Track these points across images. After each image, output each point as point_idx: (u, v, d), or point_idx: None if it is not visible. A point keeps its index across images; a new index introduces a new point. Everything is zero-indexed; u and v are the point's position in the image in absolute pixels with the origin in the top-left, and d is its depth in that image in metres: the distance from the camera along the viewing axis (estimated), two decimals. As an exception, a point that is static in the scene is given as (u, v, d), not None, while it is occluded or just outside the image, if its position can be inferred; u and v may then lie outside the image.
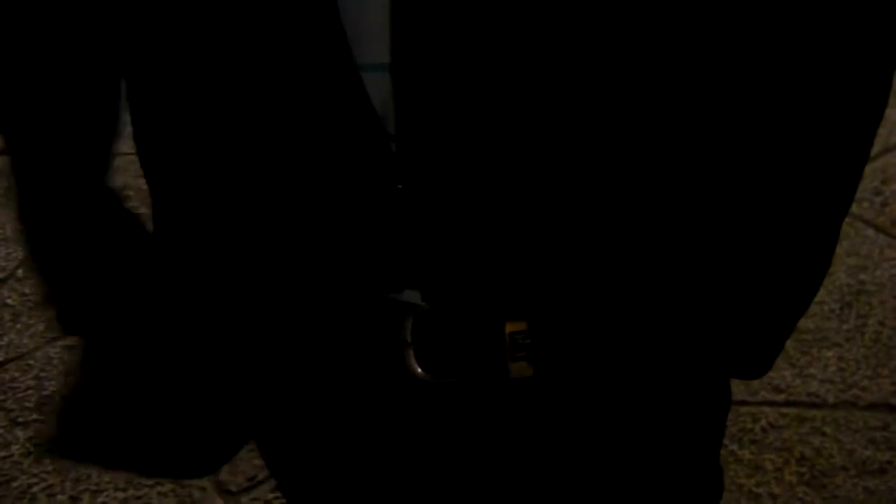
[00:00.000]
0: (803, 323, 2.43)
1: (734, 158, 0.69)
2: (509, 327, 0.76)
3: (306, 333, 0.82)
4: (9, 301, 2.77)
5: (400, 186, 0.70)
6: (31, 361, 2.55)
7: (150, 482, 2.18)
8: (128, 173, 3.41)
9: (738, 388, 2.24)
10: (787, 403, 2.23)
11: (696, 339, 0.77)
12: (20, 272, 2.88)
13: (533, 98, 0.65)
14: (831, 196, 0.73)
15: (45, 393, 2.45)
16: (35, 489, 2.20)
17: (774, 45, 0.64)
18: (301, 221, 0.75)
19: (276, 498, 2.05)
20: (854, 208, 2.79)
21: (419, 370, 0.78)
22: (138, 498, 2.15)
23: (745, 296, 0.75)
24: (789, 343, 2.36)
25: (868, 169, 2.99)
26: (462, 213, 0.70)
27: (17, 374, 2.52)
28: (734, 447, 2.12)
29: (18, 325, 2.68)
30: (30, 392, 2.46)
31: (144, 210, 2.93)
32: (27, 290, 2.80)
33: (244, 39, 0.67)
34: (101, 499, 2.16)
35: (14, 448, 2.31)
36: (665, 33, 0.63)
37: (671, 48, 0.64)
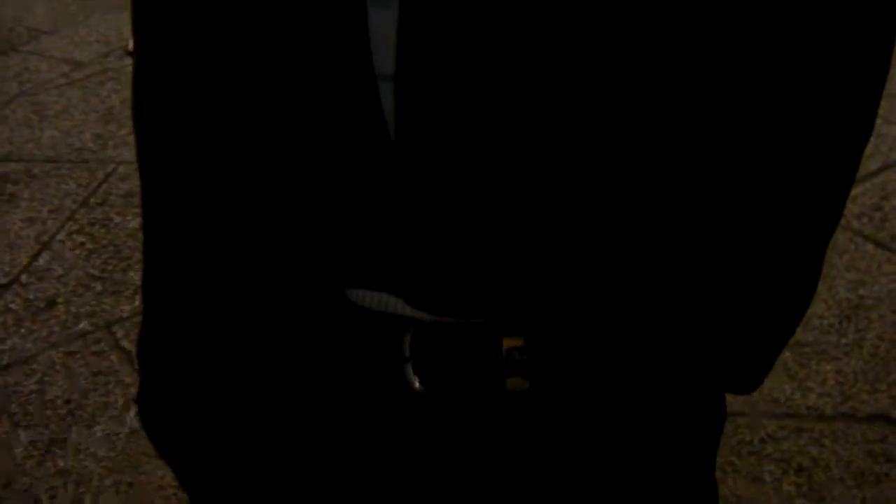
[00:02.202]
0: (802, 336, 2.44)
1: (726, 176, 0.70)
2: (507, 343, 0.76)
3: (304, 345, 0.83)
4: (12, 306, 2.78)
5: (397, 189, 0.71)
6: (34, 365, 2.57)
7: (151, 486, 2.19)
8: (134, 180, 3.44)
9: (738, 400, 2.25)
10: (786, 415, 2.25)
11: (690, 353, 0.78)
12: (24, 277, 2.89)
13: (530, 113, 0.66)
14: (819, 216, 0.73)
15: (48, 397, 2.46)
16: (37, 491, 2.21)
17: (766, 61, 0.65)
18: (298, 222, 0.76)
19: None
20: (854, 223, 2.81)
21: (417, 384, 0.79)
22: (140, 502, 2.16)
23: (736, 312, 0.75)
24: (788, 356, 2.38)
25: (868, 184, 3.02)
26: (458, 224, 0.71)
27: (20, 378, 2.53)
28: (733, 458, 2.13)
29: (22, 330, 2.69)
30: (33, 395, 2.47)
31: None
32: (31, 296, 2.82)
33: (267, 36, 0.69)
34: (102, 502, 2.17)
35: (17, 451, 2.32)
36: (657, 57, 0.64)
37: (663, 76, 0.65)
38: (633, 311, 0.76)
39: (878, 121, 3.27)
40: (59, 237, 3.07)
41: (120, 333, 2.64)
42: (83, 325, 2.69)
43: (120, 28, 4.50)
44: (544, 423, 0.81)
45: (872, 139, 3.35)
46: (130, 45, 4.28)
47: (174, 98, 0.77)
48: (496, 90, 0.65)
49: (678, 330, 0.76)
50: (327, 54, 0.68)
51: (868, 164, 3.05)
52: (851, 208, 2.87)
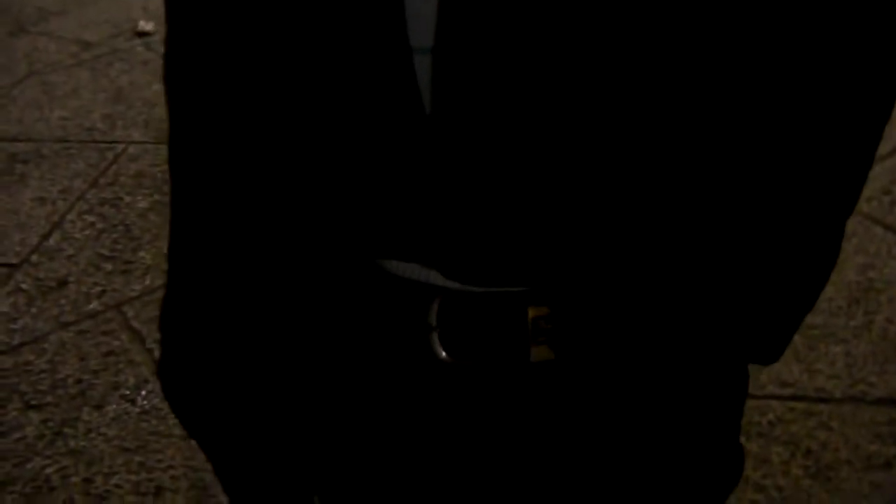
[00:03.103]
0: (811, 318, 2.44)
1: (750, 151, 0.71)
2: (532, 312, 0.77)
3: (332, 312, 0.83)
4: (23, 286, 2.80)
5: (432, 160, 0.71)
6: (45, 345, 2.58)
7: (162, 465, 2.20)
8: (143, 161, 3.43)
9: (746, 382, 2.26)
10: (795, 398, 2.25)
11: (713, 324, 0.79)
12: (34, 258, 2.90)
13: (565, 88, 0.67)
14: (840, 189, 0.74)
15: (59, 376, 2.48)
16: (49, 471, 2.22)
17: (782, 45, 0.66)
18: (332, 192, 0.77)
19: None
20: (863, 207, 2.80)
21: (443, 353, 0.80)
22: (150, 480, 2.17)
23: (759, 283, 0.77)
24: (797, 338, 2.38)
25: (878, 168, 3.01)
26: (491, 195, 0.72)
27: (31, 358, 2.54)
28: (742, 440, 2.13)
29: (33, 310, 2.70)
30: (43, 375, 2.49)
31: (158, 197, 2.94)
32: (41, 275, 2.83)
33: (301, 13, 0.69)
34: (113, 481, 2.18)
35: (28, 430, 2.33)
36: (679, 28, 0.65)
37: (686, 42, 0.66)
38: (659, 282, 0.77)
39: (889, 104, 3.27)
40: (69, 217, 3.07)
41: (130, 313, 2.65)
42: (94, 305, 2.70)
43: (129, 9, 4.50)
44: (569, 394, 0.82)
45: (883, 122, 3.31)
46: (140, 25, 4.28)
47: (207, 70, 0.77)
48: (533, 64, 0.66)
49: (702, 301, 0.78)
50: (363, 27, 0.68)
51: (878, 147, 3.04)
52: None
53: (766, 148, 0.70)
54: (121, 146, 3.44)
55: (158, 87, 3.84)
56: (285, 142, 0.76)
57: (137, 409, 2.36)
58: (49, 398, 2.42)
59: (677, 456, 0.87)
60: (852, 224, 2.81)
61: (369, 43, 0.69)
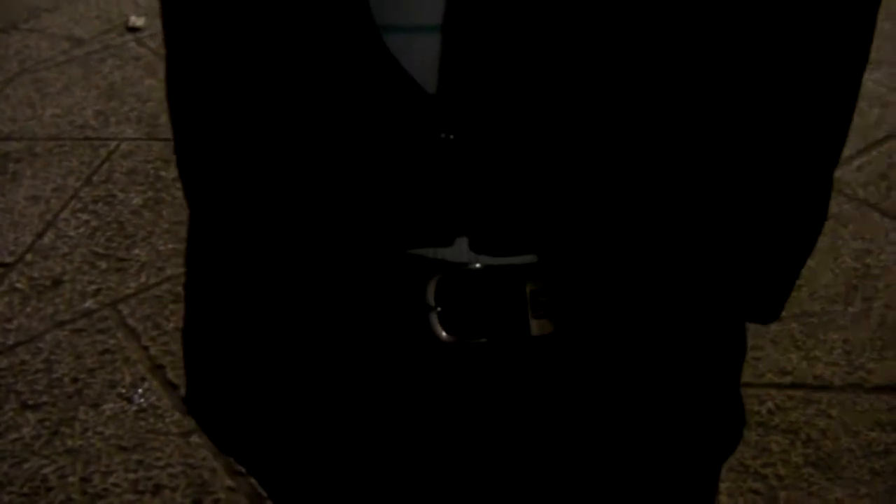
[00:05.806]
0: (809, 306, 2.44)
1: (738, 109, 0.71)
2: (530, 286, 0.77)
3: (331, 298, 0.83)
4: (18, 285, 2.79)
5: (443, 136, 0.71)
6: (40, 344, 2.57)
7: (160, 463, 2.20)
8: (137, 157, 3.42)
9: (744, 371, 2.25)
10: (794, 386, 2.25)
11: (710, 283, 0.79)
12: (29, 256, 2.89)
13: (573, 63, 0.67)
14: (825, 145, 0.76)
15: (55, 376, 2.47)
16: (46, 471, 2.22)
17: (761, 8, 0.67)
18: (345, 181, 0.76)
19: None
20: (860, 192, 2.80)
21: (443, 333, 0.79)
22: (149, 479, 2.17)
23: (753, 235, 0.77)
24: (795, 326, 2.38)
25: (875, 153, 3.01)
26: (505, 166, 0.72)
27: (26, 358, 2.53)
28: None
29: (28, 309, 2.69)
30: (39, 375, 2.48)
31: (152, 193, 2.94)
32: (36, 275, 2.82)
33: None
34: (111, 479, 2.18)
35: (25, 430, 2.32)
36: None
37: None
38: (655, 246, 0.77)
39: (884, 90, 3.27)
40: (63, 215, 3.06)
41: (126, 311, 2.64)
42: (89, 303, 2.69)
43: (120, 4, 4.49)
44: (570, 366, 0.81)
45: (878, 108, 3.35)
46: (131, 21, 4.26)
47: (206, 72, 0.77)
48: (541, 40, 0.66)
49: (698, 259, 0.78)
50: (327, 10, 0.68)
51: (874, 132, 3.04)
52: (857, 177, 2.86)
53: (753, 98, 0.71)
54: (114, 143, 3.43)
55: (151, 82, 3.84)
56: (291, 134, 0.76)
57: (134, 408, 2.35)
58: (45, 398, 2.41)
59: (678, 418, 0.87)
60: (849, 209, 2.82)
61: (340, 28, 0.69)
